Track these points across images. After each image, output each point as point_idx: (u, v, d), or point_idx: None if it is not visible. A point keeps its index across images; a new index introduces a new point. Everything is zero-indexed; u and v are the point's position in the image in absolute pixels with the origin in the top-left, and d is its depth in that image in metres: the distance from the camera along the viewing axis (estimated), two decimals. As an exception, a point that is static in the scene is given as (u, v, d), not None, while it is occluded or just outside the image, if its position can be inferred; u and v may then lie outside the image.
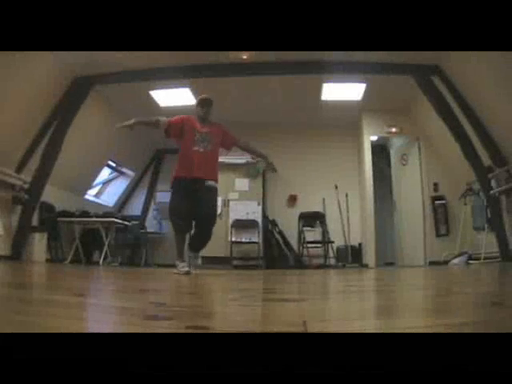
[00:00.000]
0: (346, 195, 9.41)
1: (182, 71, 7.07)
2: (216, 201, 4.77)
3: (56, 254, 7.71)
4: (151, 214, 10.81)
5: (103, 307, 1.45)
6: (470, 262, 6.99)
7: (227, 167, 8.77)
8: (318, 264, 8.64)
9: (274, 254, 8.82)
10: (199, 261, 5.41)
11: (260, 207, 8.73)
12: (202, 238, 4.76)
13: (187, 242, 4.85)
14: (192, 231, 4.84)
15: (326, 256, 8.73)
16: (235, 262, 8.51)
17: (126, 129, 4.61)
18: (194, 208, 4.60)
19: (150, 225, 10.44)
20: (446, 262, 7.67)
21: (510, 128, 5.95)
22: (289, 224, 9.10)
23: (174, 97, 8.21)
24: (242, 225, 8.62)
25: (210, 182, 4.68)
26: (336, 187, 9.42)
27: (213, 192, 4.72)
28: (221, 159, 8.70)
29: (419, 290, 2.46)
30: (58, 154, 7.02)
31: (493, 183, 6.50)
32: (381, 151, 10.07)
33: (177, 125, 4.73)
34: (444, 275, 4.25)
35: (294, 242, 8.99)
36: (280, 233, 9.08)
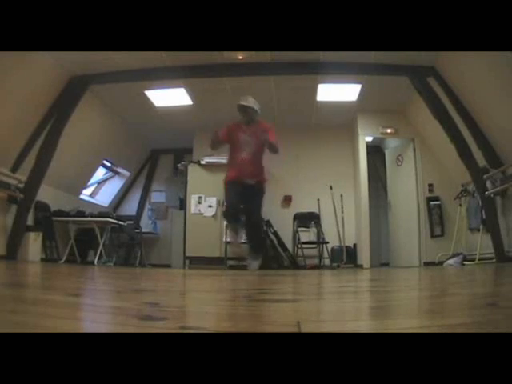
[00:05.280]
0: (341, 196, 9.42)
1: (177, 71, 7.07)
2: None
3: (51, 253, 7.70)
4: (146, 214, 10.80)
5: (97, 307, 1.44)
6: (465, 262, 7.02)
7: (221, 167, 8.76)
8: (313, 264, 8.66)
9: (269, 254, 8.81)
10: None
11: (255, 207, 8.72)
12: None
13: None
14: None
15: (320, 256, 8.75)
16: (230, 262, 8.51)
17: None
18: None
19: (145, 225, 10.43)
20: (440, 263, 7.69)
21: (505, 129, 5.97)
22: (283, 224, 9.11)
23: (169, 97, 8.21)
24: (236, 225, 8.59)
25: None
26: (331, 188, 9.42)
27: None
28: (214, 159, 8.76)
29: (414, 290, 2.46)
30: (53, 153, 7.00)
31: (488, 184, 6.52)
32: (376, 152, 10.09)
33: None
34: (439, 276, 4.25)
35: (288, 243, 9.01)
36: (275, 233, 9.07)
